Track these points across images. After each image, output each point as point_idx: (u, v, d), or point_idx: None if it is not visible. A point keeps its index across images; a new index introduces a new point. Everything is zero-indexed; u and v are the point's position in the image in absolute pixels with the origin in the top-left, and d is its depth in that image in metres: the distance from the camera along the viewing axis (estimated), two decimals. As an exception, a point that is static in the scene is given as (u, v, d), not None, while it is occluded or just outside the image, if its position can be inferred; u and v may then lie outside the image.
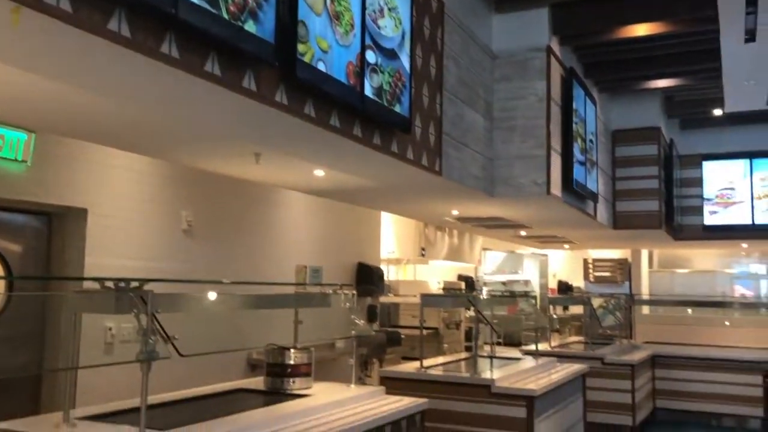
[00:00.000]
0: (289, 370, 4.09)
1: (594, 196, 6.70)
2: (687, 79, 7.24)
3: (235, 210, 5.48)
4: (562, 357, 7.13)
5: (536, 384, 5.32)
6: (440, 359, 6.31)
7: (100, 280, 2.69)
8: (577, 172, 5.96)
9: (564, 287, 11.93)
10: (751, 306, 10.64)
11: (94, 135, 3.81)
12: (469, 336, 8.51)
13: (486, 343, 9.38)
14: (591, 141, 6.67)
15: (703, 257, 12.00)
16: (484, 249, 10.79)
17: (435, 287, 8.72)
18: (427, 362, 5.60)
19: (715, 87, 7.55)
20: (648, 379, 8.33)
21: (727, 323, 10.36)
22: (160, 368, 2.64)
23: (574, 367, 6.42)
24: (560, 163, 5.69)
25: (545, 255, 12.93)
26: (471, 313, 8.69)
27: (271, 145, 3.81)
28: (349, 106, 3.45)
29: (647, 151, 7.96)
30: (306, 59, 3.07)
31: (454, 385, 5.23)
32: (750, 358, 8.08)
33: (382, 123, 3.79)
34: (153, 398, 3.37)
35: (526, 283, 13.27)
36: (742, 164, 8.92)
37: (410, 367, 5.62)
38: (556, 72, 5.67)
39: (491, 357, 6.27)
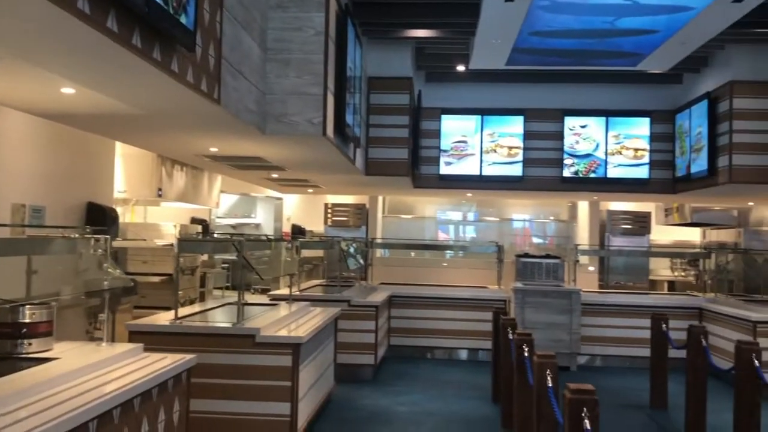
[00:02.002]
0: (25, 329, 3.38)
1: (357, 141, 6.67)
2: (442, 31, 7.51)
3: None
4: (312, 301, 7.10)
5: (301, 330, 5.20)
6: (189, 309, 5.82)
7: None
8: (347, 115, 5.82)
9: (297, 231, 11.99)
10: (465, 248, 11.85)
11: None
12: (203, 282, 8.19)
13: (217, 288, 9.04)
14: (357, 84, 6.58)
15: (424, 204, 12.98)
16: (222, 191, 10.26)
17: (170, 231, 8.12)
18: (180, 312, 5.11)
19: (463, 43, 8.01)
20: (386, 318, 8.77)
21: (444, 264, 11.43)
22: None
23: (330, 311, 6.42)
24: (333, 104, 5.47)
25: (280, 199, 12.82)
26: (205, 257, 8.32)
27: (12, 48, 2.93)
28: (131, 6, 2.77)
29: (399, 101, 8.18)
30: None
31: (214, 337, 4.87)
32: (475, 296, 8.93)
33: (165, 35, 3.15)
34: None
35: (257, 226, 13.06)
36: (475, 120, 9.70)
37: (162, 318, 5.11)
38: (333, 7, 5.39)
39: (243, 304, 5.96)
